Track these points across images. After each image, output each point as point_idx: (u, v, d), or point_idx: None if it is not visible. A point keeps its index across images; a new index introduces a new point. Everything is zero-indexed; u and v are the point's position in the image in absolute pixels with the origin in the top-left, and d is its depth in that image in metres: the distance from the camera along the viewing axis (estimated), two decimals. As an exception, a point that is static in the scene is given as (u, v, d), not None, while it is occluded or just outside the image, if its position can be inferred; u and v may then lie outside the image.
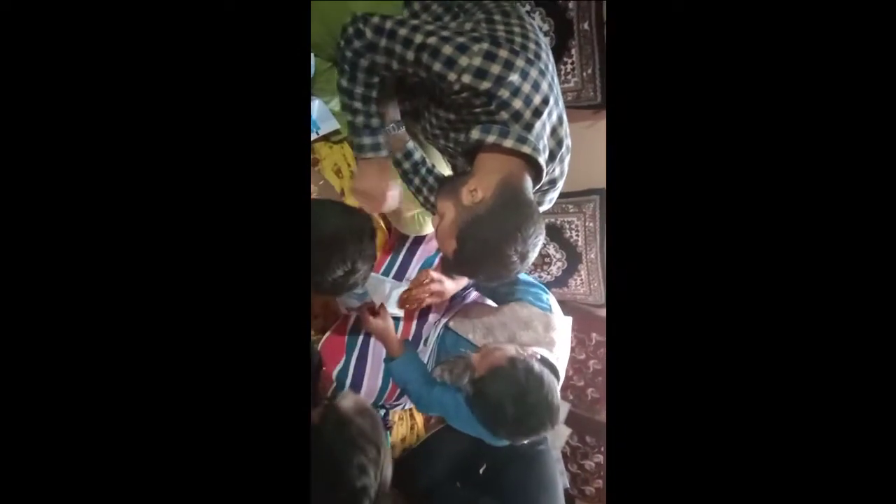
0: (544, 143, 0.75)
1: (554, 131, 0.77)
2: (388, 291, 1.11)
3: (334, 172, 1.09)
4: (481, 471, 1.33)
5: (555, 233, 1.36)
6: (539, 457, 1.33)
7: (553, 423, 0.88)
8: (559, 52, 1.14)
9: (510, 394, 0.84)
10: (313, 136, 1.03)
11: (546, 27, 1.12)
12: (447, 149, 0.93)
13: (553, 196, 0.89)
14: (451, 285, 1.08)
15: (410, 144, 0.93)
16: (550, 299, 1.09)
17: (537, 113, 0.71)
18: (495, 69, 0.68)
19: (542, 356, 0.96)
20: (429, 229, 1.13)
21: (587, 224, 1.30)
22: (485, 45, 0.69)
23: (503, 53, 0.68)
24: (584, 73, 1.15)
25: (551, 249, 1.39)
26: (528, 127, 0.72)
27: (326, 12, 0.86)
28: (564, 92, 1.21)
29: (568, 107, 1.29)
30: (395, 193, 0.90)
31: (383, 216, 1.19)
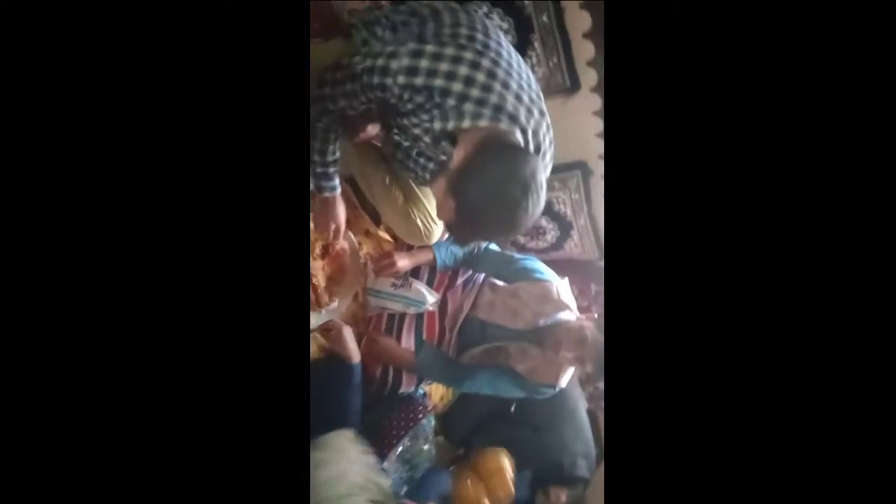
0: (510, 111, 0.75)
1: (518, 98, 0.77)
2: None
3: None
4: (512, 409, 1.57)
5: (545, 207, 1.48)
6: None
7: None
8: (523, 47, 1.17)
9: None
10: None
11: (506, 25, 1.14)
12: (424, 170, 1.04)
13: (548, 169, 0.89)
14: (405, 262, 1.23)
15: (396, 137, 1.03)
16: (545, 269, 1.27)
17: (486, 88, 0.74)
18: (424, 63, 0.74)
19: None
20: (436, 238, 1.24)
21: (573, 196, 1.41)
22: (411, 45, 0.75)
23: (429, 48, 0.74)
24: (550, 63, 1.18)
25: (543, 221, 1.52)
26: (481, 101, 0.74)
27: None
28: (534, 81, 1.25)
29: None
30: (342, 221, 1.09)
31: (388, 228, 1.32)
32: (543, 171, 0.79)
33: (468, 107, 0.75)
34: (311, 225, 1.09)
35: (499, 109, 0.76)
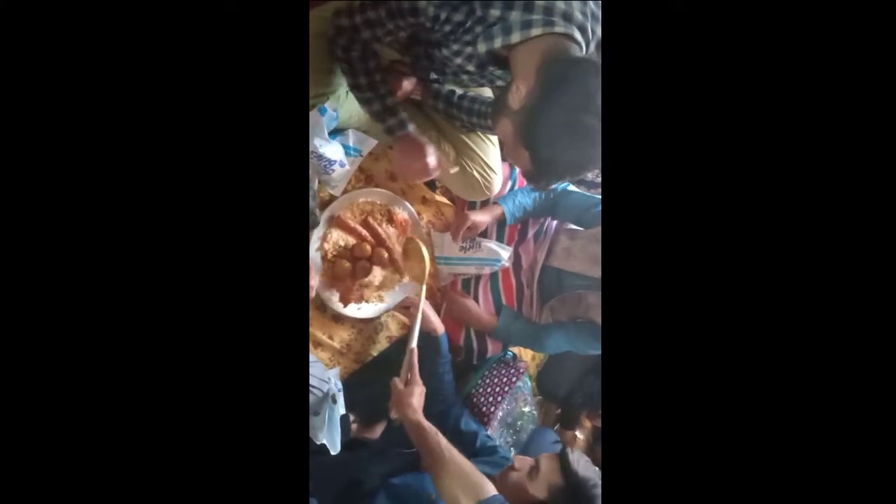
0: (562, 8, 0.66)
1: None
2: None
3: (389, 178, 1.16)
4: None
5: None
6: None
7: None
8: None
9: None
10: (357, 161, 1.06)
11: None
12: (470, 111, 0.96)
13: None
14: (482, 217, 1.15)
15: (435, 86, 0.94)
16: None
17: None
18: None
19: None
20: (497, 188, 1.15)
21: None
22: None
23: None
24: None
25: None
26: (529, 6, 0.65)
27: (320, 46, 0.86)
28: None
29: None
30: (433, 159, 0.91)
31: (445, 191, 1.25)
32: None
33: (515, 15, 0.66)
34: (400, 166, 0.96)
35: (550, 10, 0.65)
